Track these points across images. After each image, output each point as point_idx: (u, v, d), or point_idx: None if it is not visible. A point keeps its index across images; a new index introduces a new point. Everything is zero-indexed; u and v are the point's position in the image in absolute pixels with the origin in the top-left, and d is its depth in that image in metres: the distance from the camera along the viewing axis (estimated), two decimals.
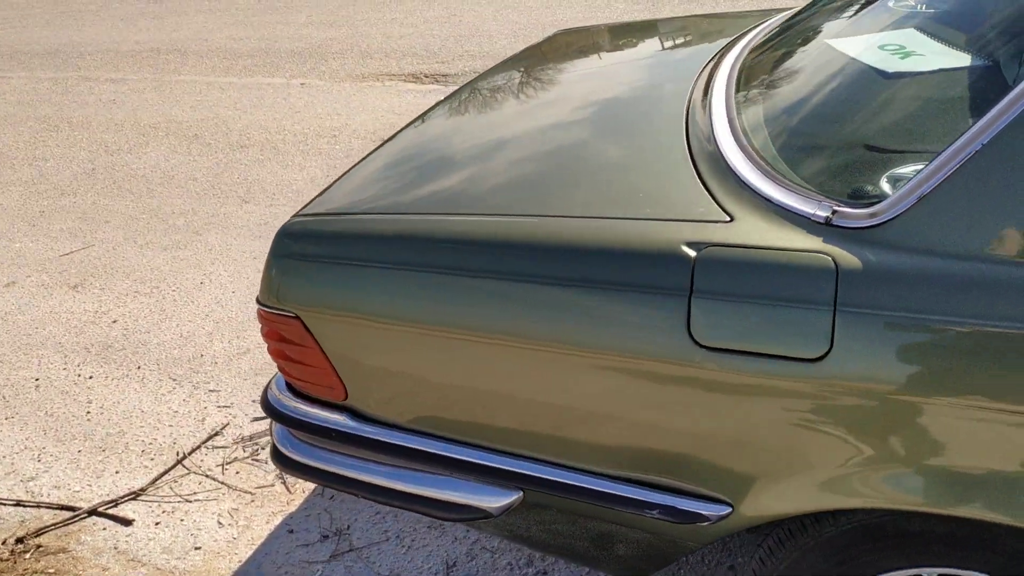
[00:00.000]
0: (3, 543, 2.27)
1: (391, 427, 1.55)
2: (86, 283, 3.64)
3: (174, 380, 2.93)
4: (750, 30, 2.18)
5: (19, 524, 2.35)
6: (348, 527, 2.25)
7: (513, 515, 1.50)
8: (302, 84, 6.20)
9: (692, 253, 1.27)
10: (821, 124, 1.57)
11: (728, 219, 1.31)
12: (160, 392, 2.87)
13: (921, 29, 1.81)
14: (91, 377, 2.98)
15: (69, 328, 3.30)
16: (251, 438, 2.61)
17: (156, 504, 2.39)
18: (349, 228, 1.54)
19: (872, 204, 1.22)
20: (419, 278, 1.44)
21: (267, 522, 2.30)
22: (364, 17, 8.07)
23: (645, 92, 1.97)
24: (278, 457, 1.70)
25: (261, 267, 3.62)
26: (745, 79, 1.78)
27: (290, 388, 1.68)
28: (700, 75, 1.91)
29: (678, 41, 2.54)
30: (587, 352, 1.33)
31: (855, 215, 1.22)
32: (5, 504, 2.42)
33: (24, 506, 2.41)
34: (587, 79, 2.20)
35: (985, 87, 1.54)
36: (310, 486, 2.41)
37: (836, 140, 1.51)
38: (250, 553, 2.20)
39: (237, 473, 2.48)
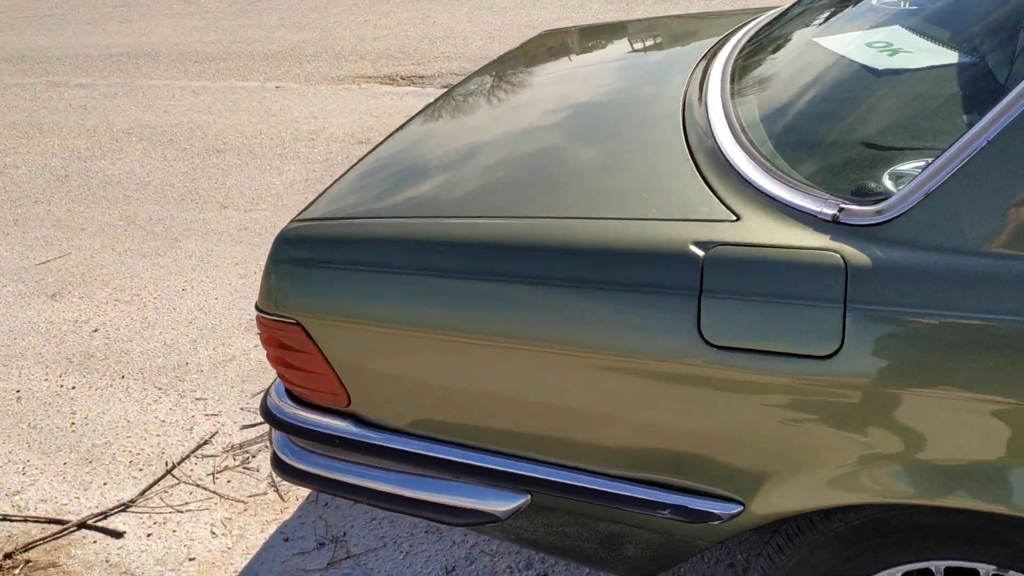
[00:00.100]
0: None
1: (396, 432, 1.54)
2: (64, 292, 3.58)
3: (159, 389, 2.89)
4: (738, 29, 2.19)
5: (6, 539, 2.31)
6: (344, 534, 2.23)
7: (520, 518, 1.50)
8: (277, 87, 6.15)
9: (700, 253, 1.27)
10: (817, 122, 1.58)
11: (734, 218, 1.31)
12: (146, 401, 2.83)
13: (907, 26, 1.83)
14: (74, 387, 2.94)
15: (49, 338, 3.25)
16: (241, 446, 2.58)
17: (147, 515, 2.36)
18: (351, 232, 1.53)
19: (878, 201, 1.23)
20: (424, 282, 1.42)
21: (261, 531, 2.27)
22: (336, 19, 8.03)
23: (638, 92, 1.97)
24: (279, 465, 1.68)
25: (243, 273, 3.61)
26: (739, 78, 1.79)
27: (290, 395, 1.66)
28: (693, 74, 1.91)
29: (664, 41, 2.54)
30: (595, 354, 1.32)
31: (862, 212, 1.23)
32: None
33: (10, 520, 2.37)
34: (578, 79, 2.19)
35: (975, 84, 1.56)
36: (303, 493, 2.39)
37: (833, 138, 1.52)
38: (246, 563, 2.18)
39: (228, 482, 2.45)
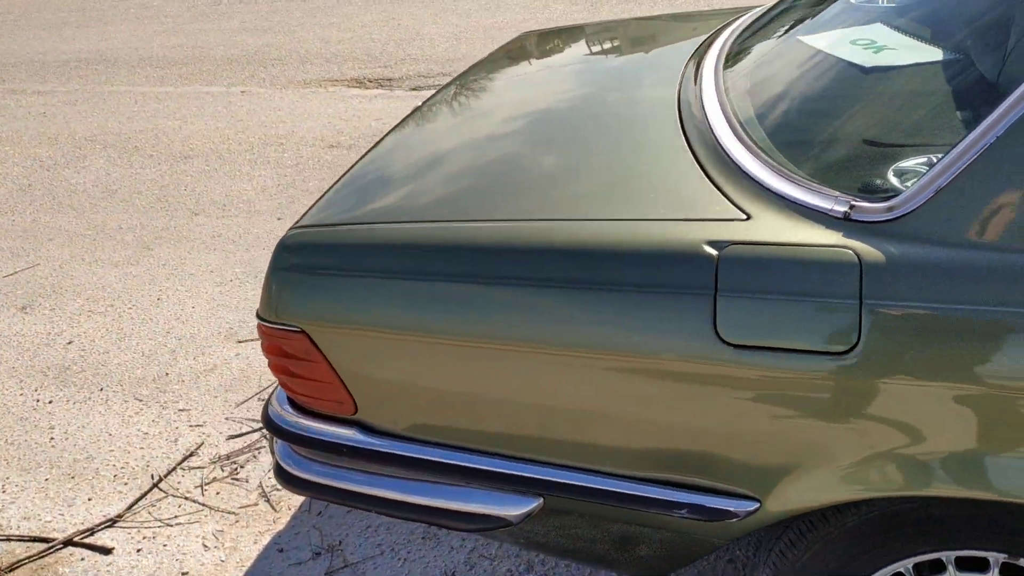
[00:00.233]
0: None
1: (404, 439, 1.52)
2: (35, 304, 3.50)
3: (140, 401, 2.83)
4: (723, 28, 2.21)
5: None
6: (340, 542, 2.21)
7: (532, 522, 1.49)
8: (242, 92, 6.08)
9: (714, 252, 1.27)
10: (814, 120, 1.60)
11: (745, 217, 1.32)
12: (127, 414, 2.77)
13: (888, 24, 1.85)
14: (51, 402, 2.87)
15: (22, 352, 3.17)
16: (228, 457, 2.54)
17: (135, 530, 2.31)
18: (355, 238, 1.51)
19: (888, 198, 1.25)
20: (433, 287, 1.41)
21: (255, 542, 2.24)
22: (299, 22, 7.96)
23: (629, 92, 1.97)
24: (282, 476, 1.65)
25: (219, 281, 3.56)
26: (731, 77, 1.80)
27: (292, 403, 1.64)
28: (684, 74, 1.92)
29: (648, 41, 2.56)
30: (610, 355, 1.32)
31: (873, 209, 1.24)
32: None
33: None
34: (567, 80, 2.19)
35: (965, 79, 1.58)
36: (296, 503, 2.36)
37: (833, 136, 1.53)
38: (240, 575, 2.14)
39: (218, 493, 2.41)
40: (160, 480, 2.47)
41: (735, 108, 1.63)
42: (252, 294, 3.43)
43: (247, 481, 2.45)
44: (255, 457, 2.54)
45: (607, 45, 2.50)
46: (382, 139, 1.94)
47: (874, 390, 1.21)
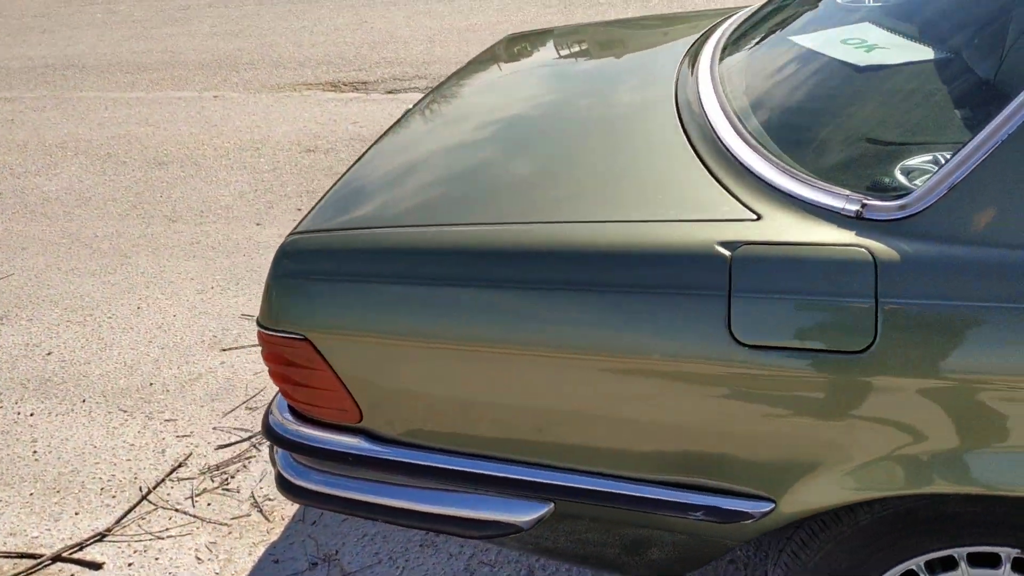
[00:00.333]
0: None
1: (410, 447, 1.50)
2: (11, 315, 3.43)
3: (125, 412, 2.78)
4: (714, 28, 2.21)
5: None
6: (336, 552, 2.18)
7: (542, 527, 1.48)
8: (215, 97, 6.00)
9: (727, 252, 1.27)
10: (814, 119, 1.60)
11: (755, 217, 1.32)
12: (111, 425, 2.72)
13: (876, 23, 1.87)
14: (32, 414, 2.81)
15: None
16: (218, 467, 2.50)
17: (126, 544, 2.26)
18: (357, 243, 1.49)
19: (899, 196, 1.25)
20: (439, 292, 1.39)
21: (249, 553, 2.20)
22: (270, 26, 7.88)
23: (625, 94, 1.96)
24: (284, 486, 1.62)
25: (200, 288, 3.50)
26: (728, 78, 1.80)
27: (292, 412, 1.61)
28: (680, 74, 1.92)
29: (635, 43, 2.55)
30: (621, 358, 1.31)
31: (885, 207, 1.24)
32: None
33: None
34: (560, 82, 2.18)
35: (957, 76, 1.59)
36: (289, 513, 2.32)
37: (836, 135, 1.53)
38: None
39: (209, 505, 2.37)
40: (149, 492, 2.42)
41: (735, 108, 1.63)
42: (234, 301, 3.38)
43: (238, 491, 2.41)
44: (246, 467, 2.50)
45: (596, 47, 2.49)
46: (376, 142, 1.92)
47: (890, 388, 1.21)
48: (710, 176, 1.45)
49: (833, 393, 1.24)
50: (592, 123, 1.78)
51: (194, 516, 2.33)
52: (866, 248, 1.22)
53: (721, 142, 1.52)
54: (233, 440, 2.60)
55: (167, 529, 2.30)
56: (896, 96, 1.62)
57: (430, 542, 2.17)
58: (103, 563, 2.20)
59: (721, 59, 1.93)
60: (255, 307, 3.31)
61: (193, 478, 2.47)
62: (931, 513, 1.34)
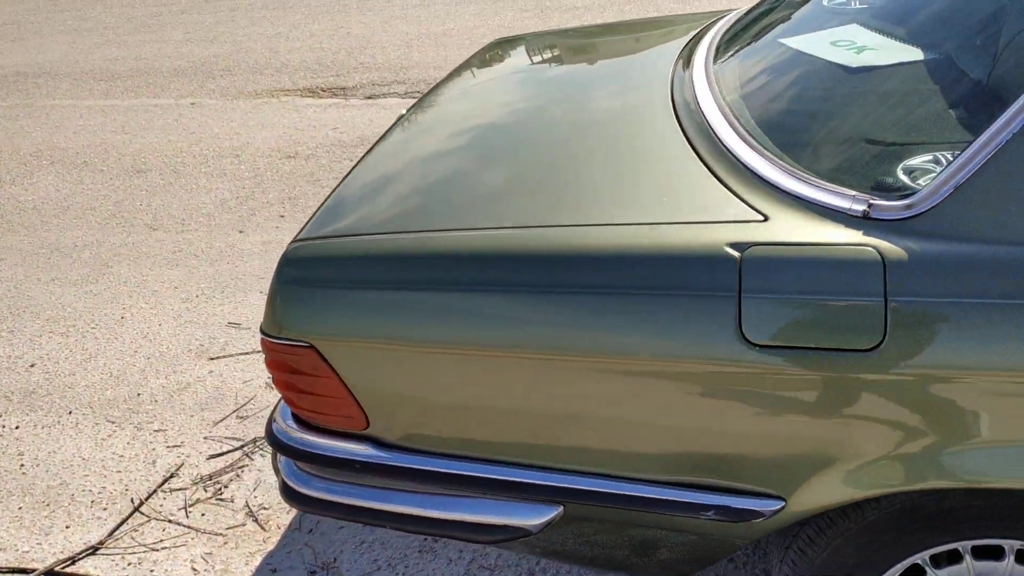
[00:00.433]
0: None
1: (419, 452, 1.50)
2: None
3: (113, 423, 2.75)
4: (705, 31, 2.22)
5: None
6: (335, 560, 2.17)
7: (551, 530, 1.48)
8: (192, 104, 5.95)
9: (736, 254, 1.28)
10: (812, 120, 1.62)
11: (762, 218, 1.33)
12: (100, 436, 2.69)
13: (864, 24, 1.89)
14: (18, 427, 2.77)
15: None
16: (211, 477, 2.48)
17: (119, 556, 2.24)
18: (361, 249, 1.48)
19: (905, 196, 1.27)
20: (446, 297, 1.39)
21: (246, 564, 2.18)
22: (245, 32, 7.83)
23: (622, 97, 1.97)
24: (289, 494, 1.61)
25: (185, 297, 3.47)
26: (723, 80, 1.81)
27: (296, 419, 1.60)
28: (674, 76, 1.93)
29: (621, 45, 2.57)
30: (633, 360, 1.32)
31: (892, 207, 1.26)
32: None
33: None
34: (552, 85, 2.19)
35: (948, 76, 1.61)
36: (285, 521, 2.31)
37: (834, 136, 1.55)
38: None
39: (203, 515, 2.35)
40: (141, 504, 2.40)
41: (734, 111, 1.64)
42: (220, 309, 3.35)
43: (232, 501, 2.39)
44: (239, 476, 2.48)
45: (585, 51, 2.50)
46: (374, 146, 1.91)
47: (900, 385, 1.23)
48: (714, 178, 1.46)
49: (843, 391, 1.25)
50: (591, 125, 1.79)
51: (188, 527, 2.31)
52: (874, 247, 1.24)
53: (722, 144, 1.53)
54: (225, 449, 2.58)
55: (161, 541, 2.27)
56: (891, 97, 1.64)
57: (429, 548, 2.17)
58: None
59: (715, 61, 1.95)
60: (241, 315, 3.29)
61: (186, 488, 2.45)
62: (936, 508, 1.35)
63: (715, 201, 1.39)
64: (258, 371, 2.93)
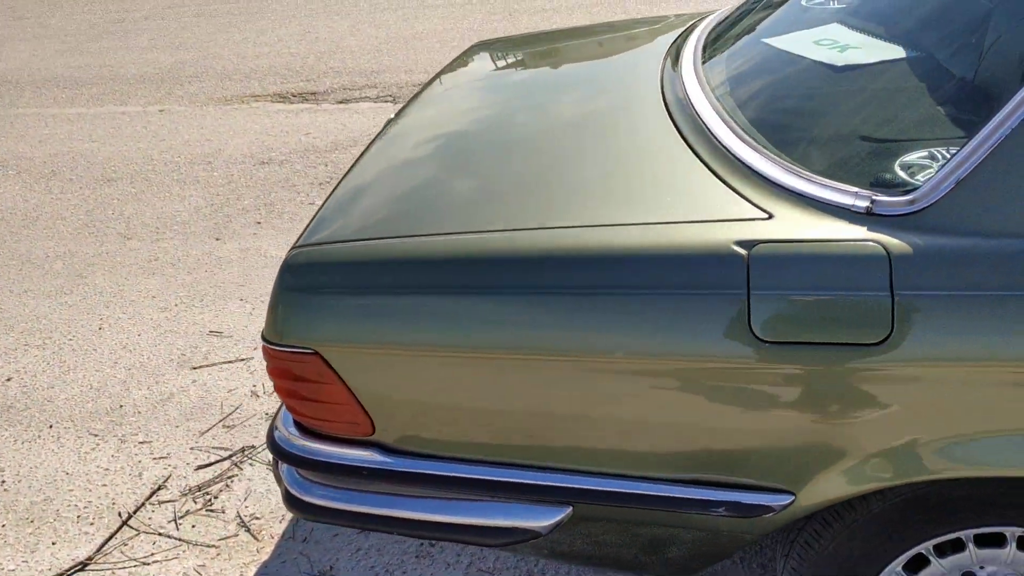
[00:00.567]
0: None
1: (425, 457, 1.49)
2: None
3: (95, 436, 2.70)
4: (691, 30, 2.24)
5: None
6: (331, 567, 2.15)
7: (560, 532, 1.48)
8: (161, 111, 5.88)
9: (744, 252, 1.29)
10: (806, 119, 1.64)
11: (767, 216, 1.34)
12: (83, 450, 2.64)
13: (844, 23, 1.92)
14: None
15: None
16: (200, 488, 2.45)
17: (109, 572, 2.20)
18: (364, 254, 1.47)
19: (907, 192, 1.28)
20: (451, 301, 1.39)
21: (241, 574, 2.16)
22: (211, 38, 7.75)
23: (613, 97, 1.98)
24: (292, 503, 1.60)
25: (163, 306, 3.43)
26: (713, 80, 1.83)
27: (298, 427, 1.59)
28: (663, 76, 1.94)
29: (607, 46, 2.58)
30: (642, 360, 1.32)
31: (895, 203, 1.28)
32: None
33: None
34: (542, 87, 2.19)
35: (932, 73, 1.64)
36: (279, 531, 2.28)
37: (830, 133, 1.57)
38: None
39: (193, 527, 2.32)
40: (129, 517, 2.36)
41: (727, 110, 1.66)
42: (200, 318, 3.31)
43: (223, 511, 2.36)
44: (228, 486, 2.45)
45: (569, 53, 2.51)
46: (366, 151, 1.90)
47: (908, 378, 1.25)
48: (715, 176, 1.47)
49: (851, 385, 1.27)
50: (583, 126, 1.79)
51: (179, 539, 2.28)
52: (879, 243, 1.25)
53: (720, 142, 1.54)
54: (213, 459, 2.55)
55: (152, 554, 2.24)
56: (880, 95, 1.67)
57: (426, 552, 2.16)
58: None
59: (704, 60, 1.96)
60: (222, 323, 3.25)
61: (175, 500, 2.41)
62: (940, 498, 1.37)
63: (719, 200, 1.40)
64: (243, 379, 2.90)
